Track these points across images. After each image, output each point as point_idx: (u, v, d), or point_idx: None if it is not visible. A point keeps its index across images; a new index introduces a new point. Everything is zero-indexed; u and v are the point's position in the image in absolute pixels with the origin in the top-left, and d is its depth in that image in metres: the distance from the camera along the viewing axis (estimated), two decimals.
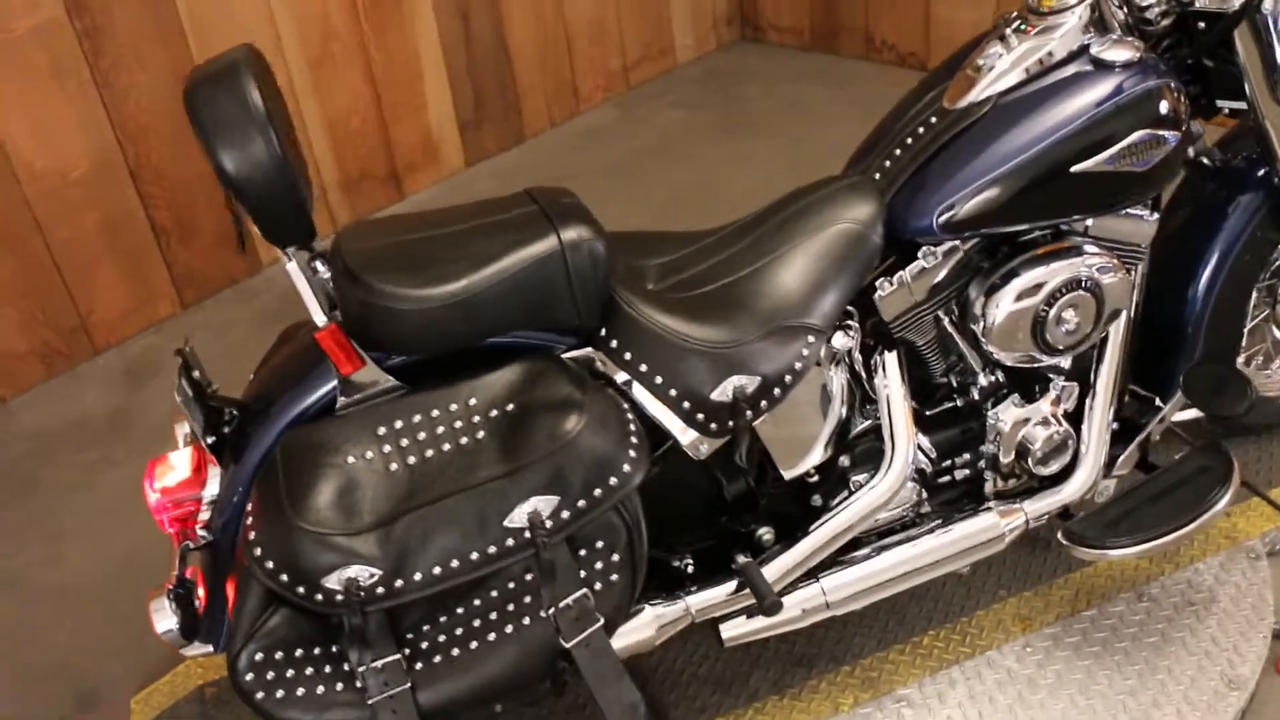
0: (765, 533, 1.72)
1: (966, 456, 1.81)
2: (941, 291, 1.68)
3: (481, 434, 1.43)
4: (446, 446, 1.42)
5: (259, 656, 1.37)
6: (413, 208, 3.55)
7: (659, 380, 1.52)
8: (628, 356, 1.53)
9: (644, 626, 1.63)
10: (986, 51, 1.67)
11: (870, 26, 4.09)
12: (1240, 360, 2.16)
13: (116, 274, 2.98)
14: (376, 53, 3.34)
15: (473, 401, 1.44)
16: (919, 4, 3.91)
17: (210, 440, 1.51)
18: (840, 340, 1.64)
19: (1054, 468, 1.80)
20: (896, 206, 1.64)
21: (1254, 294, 2.00)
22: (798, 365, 1.57)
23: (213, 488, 1.53)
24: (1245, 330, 2.02)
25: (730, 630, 1.70)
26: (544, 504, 1.39)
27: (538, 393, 1.45)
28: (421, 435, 1.42)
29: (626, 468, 1.43)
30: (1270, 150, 1.80)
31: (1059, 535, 1.79)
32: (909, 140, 1.67)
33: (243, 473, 1.50)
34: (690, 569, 1.69)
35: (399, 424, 1.43)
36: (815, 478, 1.74)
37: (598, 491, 1.41)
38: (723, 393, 1.53)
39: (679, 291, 1.62)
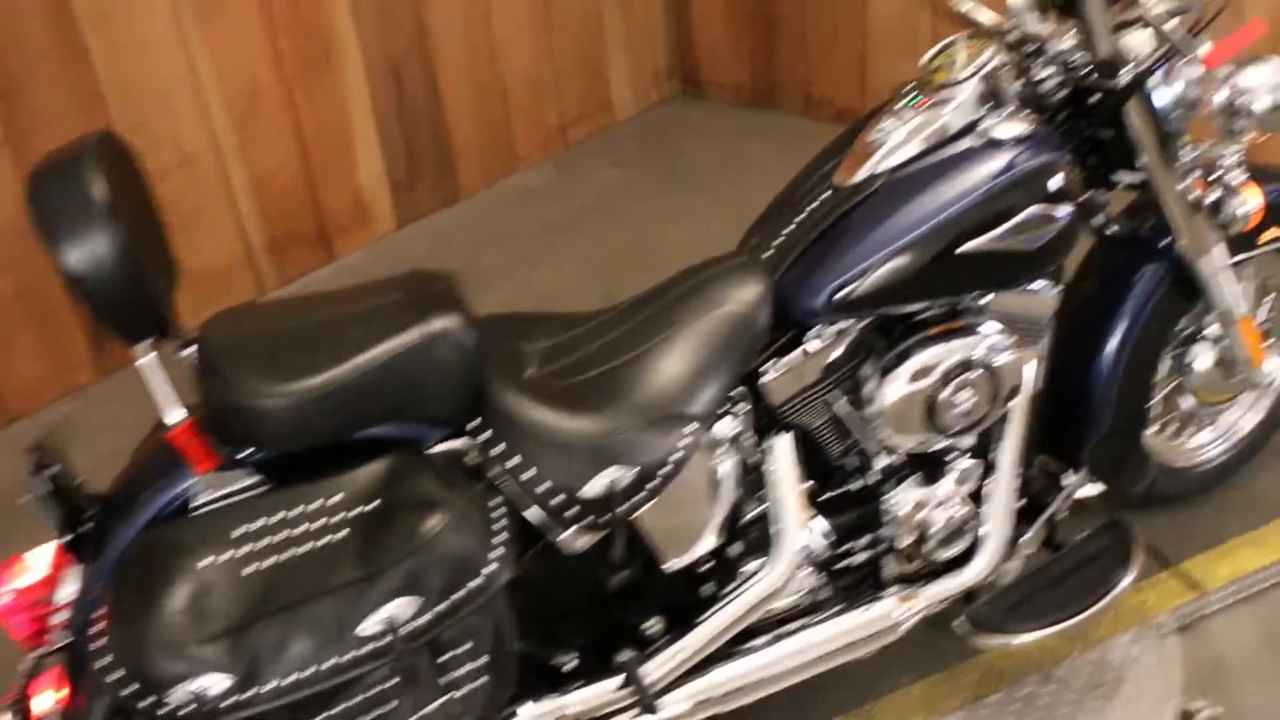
0: (654, 625, 1.67)
1: (866, 540, 1.78)
2: (833, 373, 1.65)
3: (341, 534, 1.38)
4: (305, 548, 1.37)
5: None
6: (343, 270, 3.51)
7: (529, 475, 1.48)
8: (498, 450, 1.49)
9: None
10: (878, 126, 1.66)
11: (808, 82, 4.10)
12: (1153, 429, 2.15)
13: (33, 342, 2.93)
14: (304, 111, 3.31)
15: (334, 500, 1.40)
16: (855, 58, 3.93)
17: (69, 538, 1.46)
18: (724, 427, 1.60)
19: (955, 551, 1.77)
20: (785, 286, 1.61)
21: (1161, 364, 1.99)
22: (676, 456, 1.53)
23: (71, 587, 1.47)
24: (1153, 401, 2.01)
25: None
26: (402, 608, 1.34)
27: (401, 490, 1.41)
28: (280, 536, 1.37)
29: (489, 569, 1.38)
30: (1170, 221, 1.79)
31: (955, 624, 1.76)
32: (800, 218, 1.65)
33: (101, 571, 1.44)
34: (574, 666, 1.64)
35: (257, 524, 1.38)
36: (707, 566, 1.70)
37: (458, 594, 1.37)
38: (596, 486, 1.49)
39: (559, 378, 1.58)
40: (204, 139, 3.12)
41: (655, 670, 1.63)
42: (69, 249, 1.27)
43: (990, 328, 1.66)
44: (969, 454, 1.79)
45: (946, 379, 1.62)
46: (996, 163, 1.57)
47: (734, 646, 1.71)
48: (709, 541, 1.64)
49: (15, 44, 2.71)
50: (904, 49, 3.79)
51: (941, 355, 1.62)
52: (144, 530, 1.43)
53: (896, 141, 1.63)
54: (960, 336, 1.64)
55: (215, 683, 1.29)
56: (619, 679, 1.62)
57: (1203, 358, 2.03)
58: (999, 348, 1.65)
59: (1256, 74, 1.65)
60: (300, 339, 1.45)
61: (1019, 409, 1.78)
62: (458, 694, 1.39)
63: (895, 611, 1.73)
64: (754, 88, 4.26)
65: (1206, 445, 2.19)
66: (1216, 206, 1.74)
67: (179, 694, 1.28)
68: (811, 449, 1.72)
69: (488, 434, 1.49)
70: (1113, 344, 1.90)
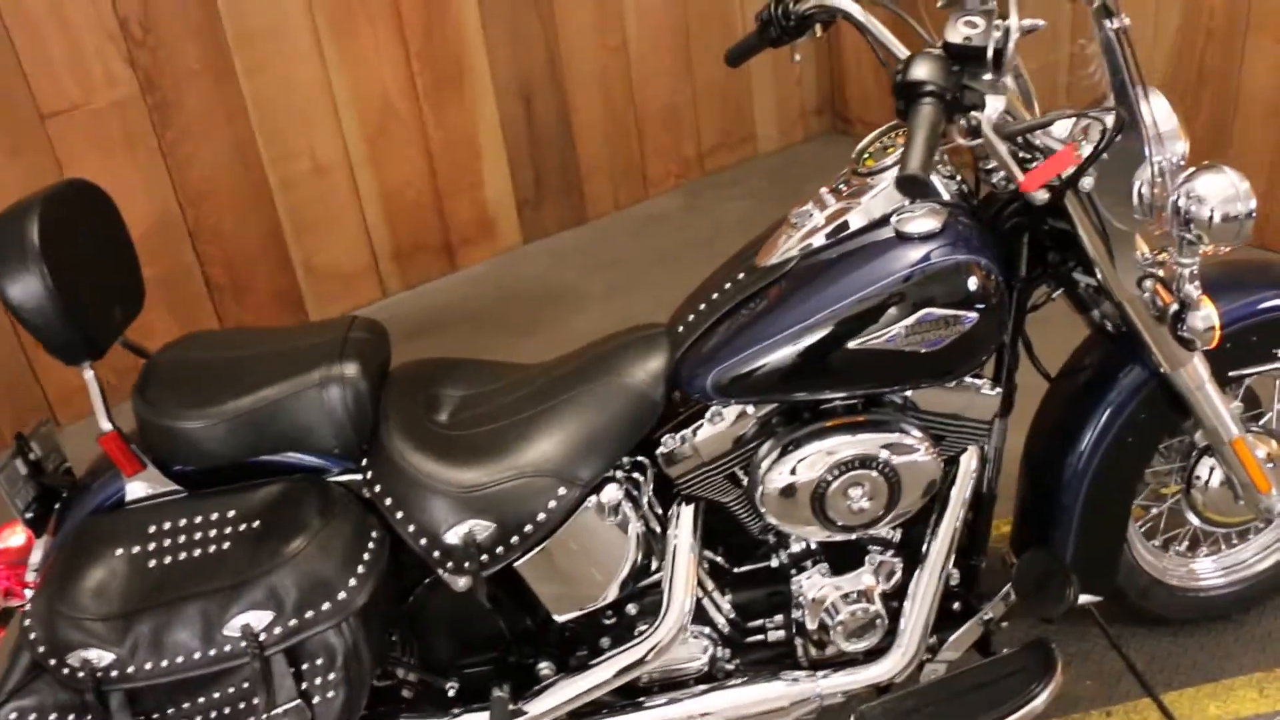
0: (545, 667, 1.74)
1: (779, 619, 1.78)
2: (731, 453, 1.66)
3: (226, 545, 1.54)
4: (197, 552, 1.54)
5: (12, 716, 1.53)
6: (466, 281, 3.73)
7: (399, 515, 1.59)
8: (377, 489, 1.61)
9: None
10: (800, 209, 1.66)
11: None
12: (1157, 542, 2.01)
13: (172, 323, 3.29)
14: (434, 131, 3.54)
15: (229, 514, 1.57)
16: None
17: (29, 516, 1.69)
18: (611, 492, 1.65)
19: (863, 645, 1.73)
20: (685, 363, 1.63)
21: (1141, 477, 1.86)
22: (541, 516, 1.59)
23: (36, 555, 1.71)
24: (1129, 515, 1.88)
25: None
26: (257, 618, 1.49)
27: (283, 512, 1.57)
28: (181, 538, 1.55)
29: (343, 594, 1.51)
30: (1133, 331, 1.68)
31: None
32: (715, 295, 1.67)
33: (54, 546, 1.67)
34: (453, 693, 1.73)
35: (167, 525, 1.56)
36: (609, 620, 1.75)
37: (310, 613, 1.50)
38: (455, 535, 1.57)
39: (462, 427, 1.67)
40: (337, 151, 3.41)
41: (533, 710, 1.69)
42: (7, 286, 1.49)
43: (898, 427, 1.61)
44: (891, 549, 1.75)
45: (834, 474, 1.59)
46: (897, 260, 1.53)
47: (628, 701, 1.75)
48: (597, 598, 1.70)
49: (170, 62, 3.06)
50: (1041, 96, 3.61)
51: (831, 449, 1.59)
52: (85, 517, 1.64)
53: (813, 225, 1.62)
54: (860, 431, 1.60)
55: (101, 657, 1.48)
56: (486, 714, 1.69)
57: (1209, 475, 1.88)
58: (902, 447, 1.60)
59: (1208, 183, 1.53)
60: (225, 370, 1.64)
61: (952, 507, 1.72)
62: (312, 701, 1.52)
63: (783, 696, 1.72)
64: None
65: (1212, 571, 2.02)
66: (1178, 319, 1.61)
67: (73, 659, 1.48)
68: (728, 523, 1.74)
69: (370, 473, 1.62)
70: (1085, 446, 1.80)
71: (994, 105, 1.43)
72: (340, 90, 3.35)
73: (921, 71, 1.38)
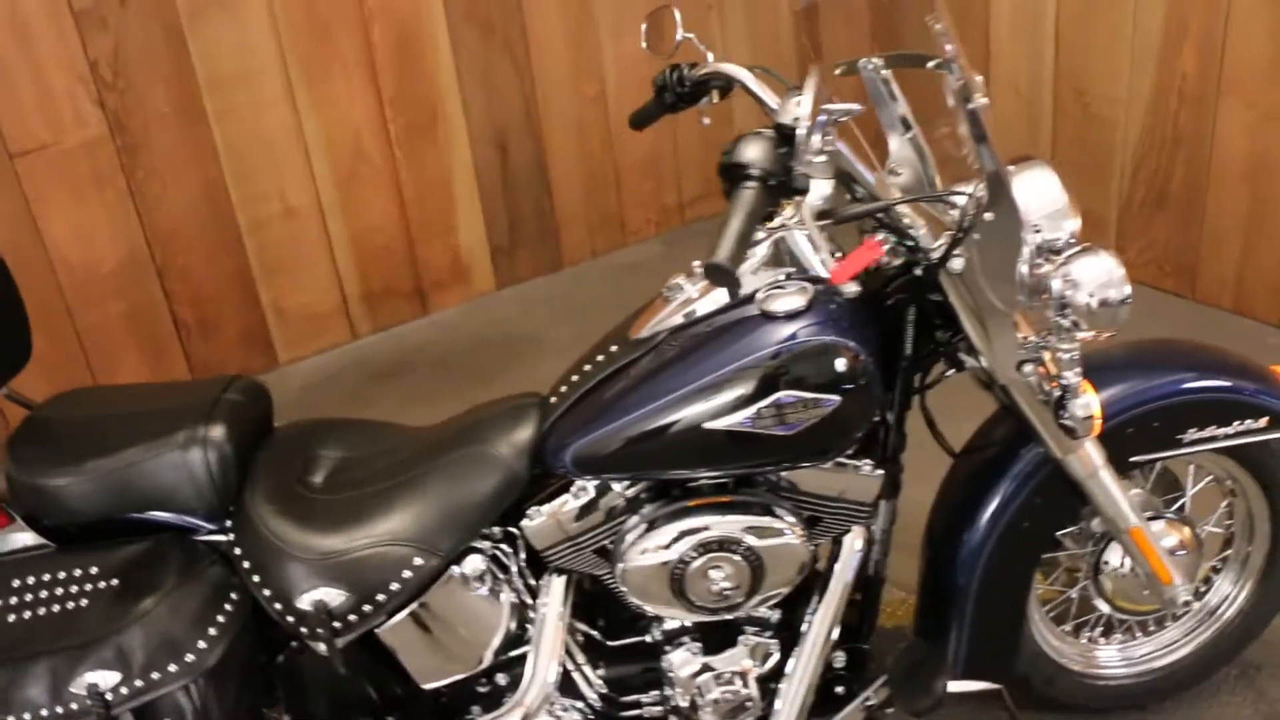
0: None
1: (655, 695, 1.74)
2: (597, 528, 1.63)
3: (84, 601, 1.54)
4: (55, 608, 1.54)
5: None
6: (438, 325, 3.74)
7: (256, 579, 1.58)
8: (237, 551, 1.60)
9: None
10: (674, 282, 1.63)
11: None
12: (1068, 627, 1.95)
13: (138, 359, 3.33)
14: (407, 176, 3.57)
15: (91, 570, 1.57)
16: None
17: None
18: (473, 564, 1.63)
19: None
20: (551, 436, 1.61)
21: (1038, 562, 1.81)
22: (395, 585, 1.57)
23: None
24: (1027, 601, 1.82)
25: None
26: (104, 677, 1.49)
27: (142, 570, 1.57)
28: (42, 594, 1.55)
29: (191, 655, 1.50)
30: (1020, 415, 1.63)
31: None
32: (587, 367, 1.64)
33: None
34: None
35: (30, 580, 1.57)
36: (484, 688, 1.72)
37: (157, 674, 1.49)
38: (307, 601, 1.56)
39: (330, 491, 1.66)
40: (308, 194, 3.44)
41: None
42: None
43: (762, 508, 1.58)
44: (769, 630, 1.71)
45: (696, 555, 1.56)
46: (760, 338, 1.50)
47: None
48: (463, 668, 1.68)
49: (139, 104, 3.11)
50: None
51: (693, 529, 1.56)
52: None
53: (684, 298, 1.60)
54: (724, 512, 1.57)
55: None
56: None
57: (1116, 561, 1.82)
58: (767, 530, 1.57)
59: (1085, 267, 1.48)
60: (95, 429, 1.65)
61: (832, 589, 1.68)
62: None
63: None
64: None
65: (1120, 661, 1.96)
66: (1060, 406, 1.56)
67: None
68: (607, 596, 1.71)
69: (232, 535, 1.61)
70: (981, 528, 1.75)
71: (820, 189, 1.40)
72: (311, 135, 3.38)
73: (745, 153, 1.36)
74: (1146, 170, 3.26)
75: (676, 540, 1.56)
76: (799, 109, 1.39)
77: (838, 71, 1.66)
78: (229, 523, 1.64)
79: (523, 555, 1.69)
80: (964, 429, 1.82)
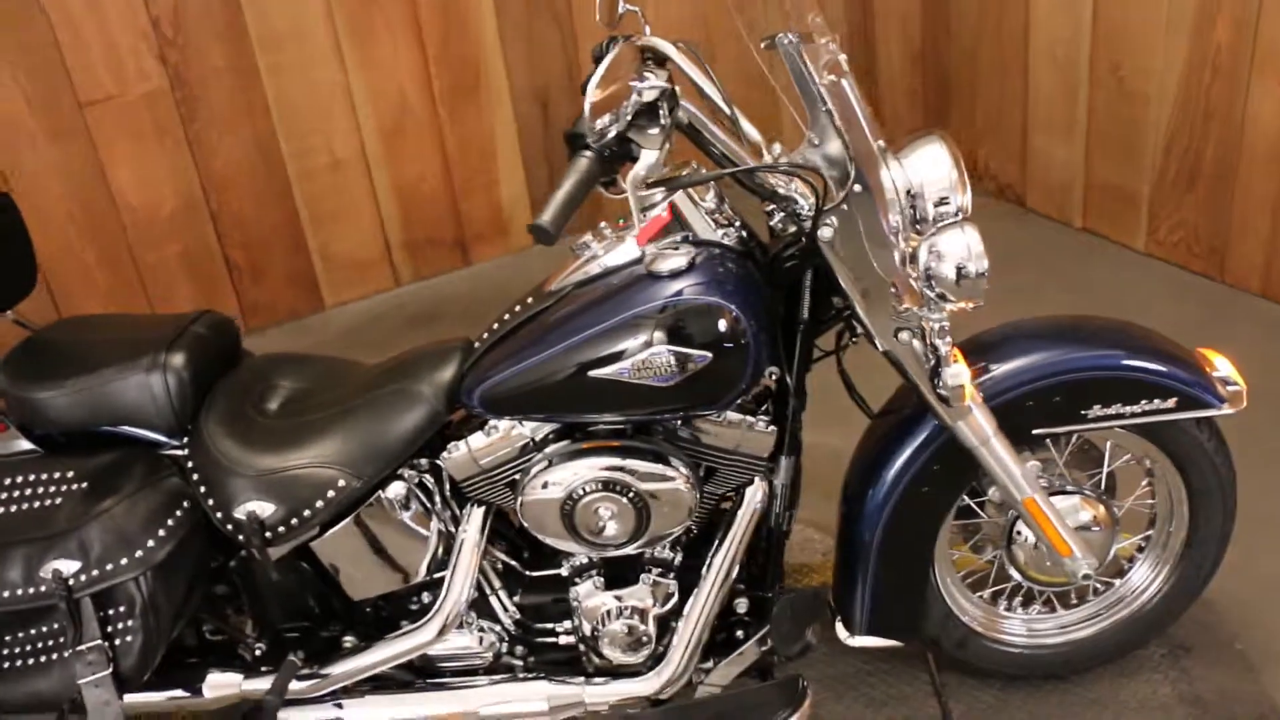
0: (348, 640, 1.89)
1: (568, 624, 1.87)
2: (507, 464, 1.75)
3: (58, 500, 1.75)
4: (35, 504, 1.76)
5: None
6: (477, 276, 3.90)
7: (202, 490, 1.76)
8: (189, 464, 1.78)
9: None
10: (581, 240, 1.73)
11: (974, 152, 3.90)
12: (986, 594, 2.00)
13: (192, 296, 3.59)
14: (450, 132, 3.72)
15: (68, 474, 1.78)
16: (1017, 134, 3.70)
17: None
18: (395, 489, 1.78)
19: (632, 659, 1.81)
20: (467, 377, 1.74)
21: (939, 526, 1.86)
22: (319, 503, 1.73)
23: None
24: (929, 563, 1.88)
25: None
26: (66, 565, 1.69)
27: (109, 476, 1.77)
28: (27, 490, 1.77)
29: (140, 553, 1.70)
30: (910, 383, 1.69)
31: None
32: (506, 316, 1.76)
33: None
34: (260, 653, 1.90)
35: (19, 478, 1.79)
36: (414, 605, 1.88)
37: (110, 565, 1.69)
38: (243, 512, 1.73)
39: (279, 417, 1.83)
40: (354, 147, 3.63)
41: (325, 673, 1.86)
42: None
43: (652, 454, 1.68)
44: (671, 571, 1.81)
45: (583, 493, 1.67)
46: (643, 295, 1.59)
47: (418, 680, 1.90)
48: (389, 584, 1.84)
49: (198, 59, 3.33)
50: (1062, 131, 3.52)
51: (583, 469, 1.67)
52: None
53: (590, 256, 1.70)
54: (614, 455, 1.68)
55: None
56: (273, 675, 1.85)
57: (1028, 532, 1.86)
58: (652, 475, 1.67)
59: (949, 239, 1.52)
60: (80, 351, 1.85)
61: (731, 536, 1.77)
62: (116, 641, 1.73)
63: (545, 698, 1.81)
64: None
65: (1031, 631, 1.99)
66: (934, 375, 1.61)
67: None
68: None
69: (187, 450, 1.79)
70: (884, 489, 1.81)
71: (646, 159, 1.47)
72: (358, 91, 3.56)
73: (585, 124, 1.45)
74: (1179, 147, 3.19)
75: (568, 479, 1.68)
76: (645, 85, 1.47)
77: (763, 45, 1.71)
78: (184, 439, 1.82)
79: (447, 486, 1.82)
80: (890, 391, 1.88)
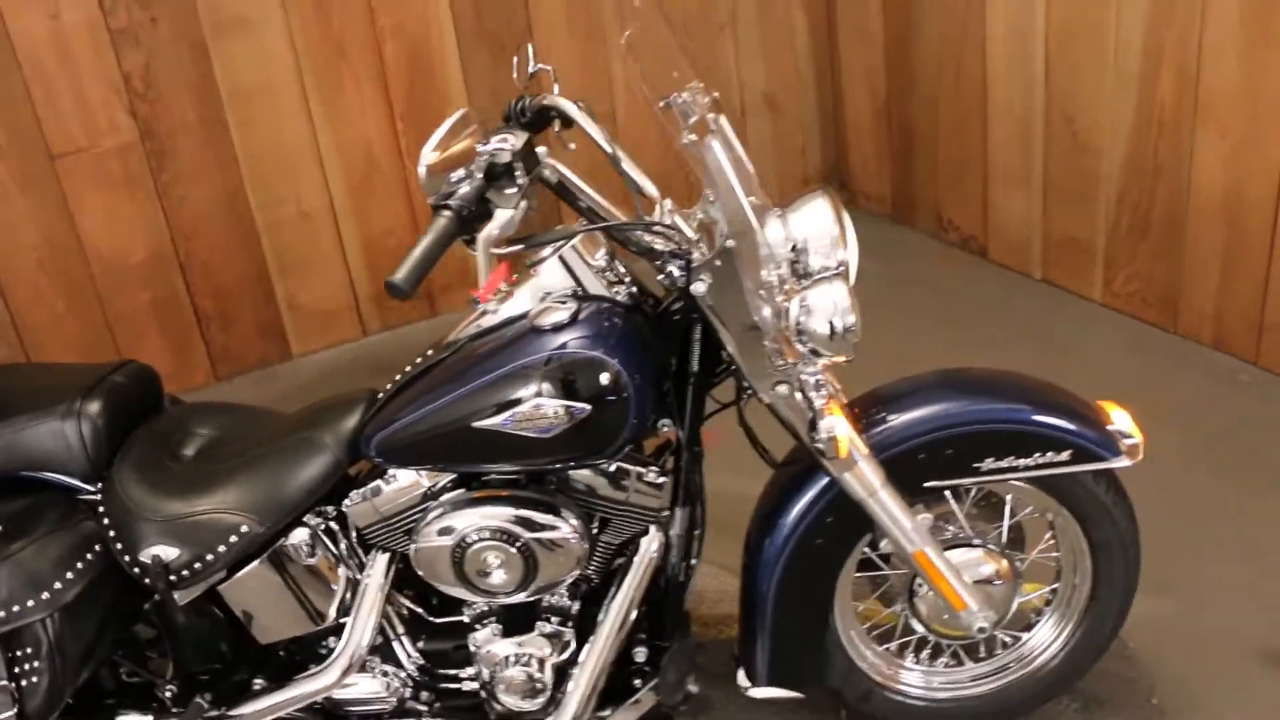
0: (258, 683, 1.91)
1: (471, 671, 1.88)
2: (404, 512, 1.78)
3: None
4: None
5: None
6: (443, 326, 3.87)
7: (111, 533, 1.79)
8: (101, 509, 1.82)
9: None
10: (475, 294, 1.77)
11: (939, 204, 3.94)
12: (892, 647, 2.00)
13: (162, 344, 3.65)
14: (417, 185, 3.77)
15: None
16: (978, 188, 3.73)
17: None
18: (298, 536, 1.80)
19: (528, 706, 1.82)
20: (368, 427, 1.77)
21: (835, 577, 1.86)
22: (222, 548, 1.76)
23: None
24: (829, 616, 1.88)
25: None
26: None
27: (22, 520, 1.81)
28: None
29: (47, 595, 1.73)
30: (793, 435, 1.70)
31: None
32: (409, 367, 1.80)
33: None
34: (172, 695, 1.92)
35: None
36: (323, 650, 1.90)
37: (17, 607, 1.73)
38: (148, 555, 1.76)
39: (193, 464, 1.87)
40: (321, 200, 3.70)
41: (232, 714, 1.87)
42: None
43: (541, 504, 1.70)
44: (569, 620, 1.82)
45: (471, 542, 1.69)
46: (525, 349, 1.63)
47: None
48: (295, 629, 1.87)
49: (168, 113, 3.42)
50: (1020, 183, 3.55)
51: (471, 518, 1.70)
52: None
53: (486, 309, 1.73)
54: (502, 505, 1.70)
55: None
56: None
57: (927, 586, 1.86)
58: (540, 525, 1.69)
59: (819, 294, 1.55)
60: (3, 398, 1.89)
61: (626, 585, 1.79)
62: (21, 682, 1.75)
63: None
64: (895, 202, 4.15)
65: (934, 683, 1.99)
66: (812, 427, 1.63)
67: None
68: None
69: (99, 495, 1.83)
70: (779, 541, 1.82)
71: (499, 218, 1.51)
72: (326, 144, 3.63)
73: (448, 186, 1.49)
74: (1130, 199, 3.20)
75: (456, 528, 1.70)
76: (502, 144, 1.52)
77: (660, 105, 1.75)
78: (99, 485, 1.86)
79: (353, 533, 1.85)
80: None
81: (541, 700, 1.82)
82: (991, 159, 3.63)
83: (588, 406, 1.61)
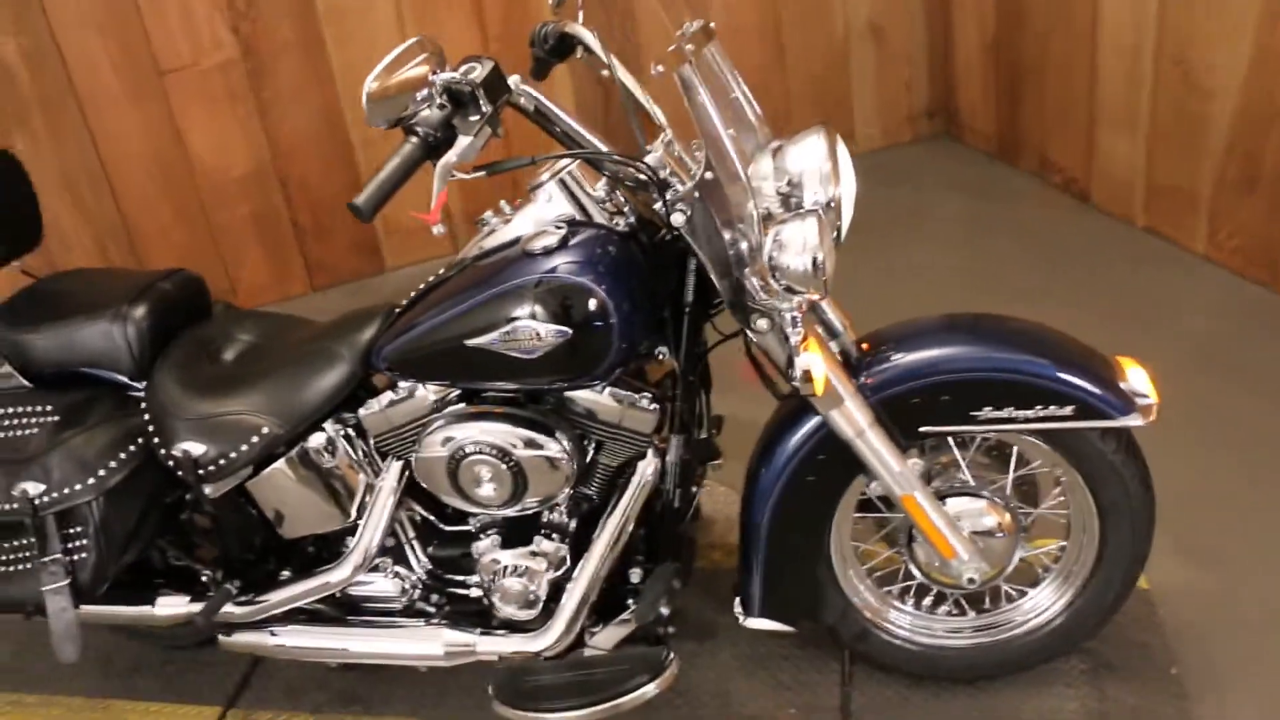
0: (285, 574, 2.03)
1: (475, 578, 1.96)
2: (413, 422, 1.84)
3: (35, 429, 1.95)
4: (15, 432, 1.96)
5: None
6: None
7: (150, 429, 1.92)
8: (143, 405, 1.94)
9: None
10: (486, 214, 1.80)
11: (1044, 145, 3.76)
12: (893, 590, 1.98)
13: (261, 254, 3.83)
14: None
15: (46, 407, 1.98)
16: (1084, 129, 3.54)
17: None
18: (316, 440, 1.89)
19: (523, 615, 1.88)
20: (380, 340, 1.83)
21: (829, 514, 1.85)
22: (244, 447, 1.86)
23: None
24: (821, 553, 1.87)
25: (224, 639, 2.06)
26: (32, 486, 1.88)
27: (78, 410, 1.96)
28: (9, 421, 1.98)
29: (92, 480, 1.88)
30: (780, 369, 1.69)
31: (490, 686, 1.87)
32: (423, 284, 1.85)
33: None
34: (205, 579, 2.07)
35: (8, 409, 1.99)
36: (345, 548, 2.01)
37: (68, 489, 1.88)
38: (179, 450, 1.88)
39: (229, 368, 1.97)
40: None
41: (258, 601, 2.00)
42: None
43: (533, 422, 1.74)
44: (566, 536, 1.87)
45: (464, 456, 1.75)
46: (514, 271, 1.65)
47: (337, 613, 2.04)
48: (317, 526, 1.97)
49: (267, 34, 3.54)
50: (1127, 126, 3.36)
51: (466, 433, 1.75)
52: None
53: (489, 230, 1.77)
54: (496, 421, 1.74)
55: None
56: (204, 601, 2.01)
57: None
58: (530, 443, 1.73)
59: (791, 230, 1.51)
60: (65, 300, 2.05)
61: (621, 506, 1.82)
62: (73, 557, 1.92)
63: (440, 645, 1.90)
64: (1001, 141, 3.98)
65: (932, 629, 1.96)
66: (789, 363, 1.61)
67: None
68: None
69: (145, 392, 1.96)
70: (774, 473, 1.81)
71: (459, 145, 1.52)
72: None
73: (415, 111, 1.50)
74: (1240, 148, 2.99)
75: (452, 441, 1.76)
76: (471, 73, 1.53)
77: (689, 47, 1.73)
78: (144, 383, 1.99)
79: (371, 440, 1.93)
80: None
81: (536, 610, 1.87)
82: (1098, 100, 3.44)
83: (569, 330, 1.63)
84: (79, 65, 3.43)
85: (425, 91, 1.53)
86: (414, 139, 1.50)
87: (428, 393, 1.83)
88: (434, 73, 1.54)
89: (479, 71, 1.55)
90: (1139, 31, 3.20)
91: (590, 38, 1.78)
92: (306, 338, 1.97)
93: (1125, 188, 3.44)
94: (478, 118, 1.53)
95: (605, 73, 1.74)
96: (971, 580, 1.80)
